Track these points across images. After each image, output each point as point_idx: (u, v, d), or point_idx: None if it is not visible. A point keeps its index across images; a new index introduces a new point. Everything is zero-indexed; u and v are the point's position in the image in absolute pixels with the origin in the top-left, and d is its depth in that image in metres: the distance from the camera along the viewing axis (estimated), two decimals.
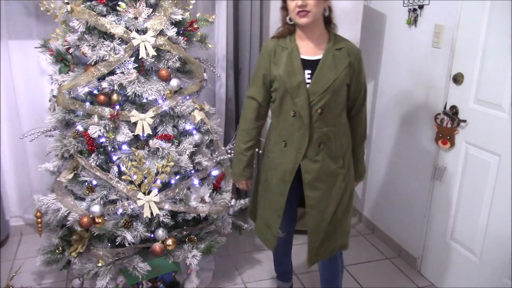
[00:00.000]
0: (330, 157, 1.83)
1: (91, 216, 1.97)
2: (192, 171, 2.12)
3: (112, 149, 2.02)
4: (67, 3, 2.01)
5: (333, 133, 1.81)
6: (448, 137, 2.29)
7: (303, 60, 1.77)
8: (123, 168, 1.96)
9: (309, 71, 1.76)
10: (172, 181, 2.08)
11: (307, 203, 1.86)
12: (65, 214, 2.02)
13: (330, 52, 1.76)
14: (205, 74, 2.24)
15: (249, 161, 1.94)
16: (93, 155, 2.01)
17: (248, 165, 1.94)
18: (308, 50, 1.78)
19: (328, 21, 1.81)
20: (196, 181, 2.14)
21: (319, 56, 1.77)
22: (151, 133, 2.01)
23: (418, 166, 2.57)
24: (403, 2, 2.56)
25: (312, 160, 1.81)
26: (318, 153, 1.81)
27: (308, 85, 1.75)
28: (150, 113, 2.00)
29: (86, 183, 2.04)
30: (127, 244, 1.99)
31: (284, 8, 1.80)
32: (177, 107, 2.06)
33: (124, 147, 2.01)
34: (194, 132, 2.15)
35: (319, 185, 1.84)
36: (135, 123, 1.99)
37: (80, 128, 2.00)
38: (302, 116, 1.75)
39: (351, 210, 1.98)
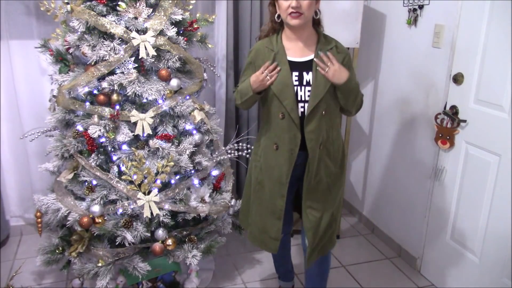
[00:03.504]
0: (329, 158, 1.83)
1: (91, 216, 1.97)
2: (192, 171, 2.12)
3: (112, 149, 2.02)
4: (67, 3, 2.02)
5: (331, 134, 1.82)
6: (448, 137, 2.29)
7: (290, 62, 1.76)
8: (123, 168, 1.96)
9: (297, 73, 1.75)
10: (172, 181, 2.08)
11: (307, 204, 1.85)
12: (65, 214, 2.02)
13: (323, 52, 1.74)
14: (205, 74, 2.24)
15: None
16: (93, 155, 2.01)
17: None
18: (296, 51, 1.77)
19: (317, 23, 1.81)
20: (196, 181, 2.14)
21: (308, 57, 1.76)
22: (151, 133, 2.01)
23: (418, 166, 2.57)
24: (403, 2, 2.56)
25: (314, 161, 1.79)
26: (318, 154, 1.79)
27: (301, 87, 1.74)
28: (150, 113, 2.00)
29: (86, 183, 2.05)
30: (127, 244, 1.99)
31: (273, 5, 1.77)
32: (177, 107, 2.06)
33: (124, 147, 2.01)
34: (194, 132, 2.15)
35: (319, 187, 1.84)
36: (135, 123, 1.99)
37: (80, 128, 2.01)
38: (292, 117, 1.75)
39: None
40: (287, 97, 1.74)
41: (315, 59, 1.74)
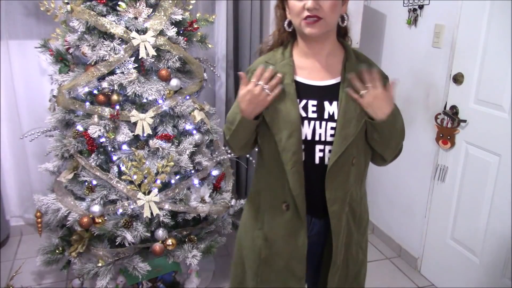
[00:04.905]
0: (354, 222, 1.35)
1: (91, 216, 1.97)
2: (192, 171, 2.12)
3: (112, 149, 2.02)
4: (67, 3, 2.02)
5: (359, 190, 1.37)
6: (448, 137, 2.29)
7: (302, 86, 1.25)
8: (123, 168, 1.96)
9: (314, 102, 1.24)
10: (172, 181, 2.08)
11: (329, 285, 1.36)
12: (65, 214, 2.02)
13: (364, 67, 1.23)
14: (205, 74, 2.24)
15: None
16: (93, 155, 2.01)
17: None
18: (313, 72, 1.26)
19: (343, 33, 1.32)
20: (196, 181, 2.14)
21: (331, 81, 1.26)
22: (151, 133, 2.01)
23: (418, 166, 2.57)
24: (403, 2, 2.56)
25: (340, 232, 1.30)
26: (345, 221, 1.31)
27: (320, 122, 1.24)
28: (150, 113, 2.00)
29: (86, 183, 2.04)
30: (127, 244, 1.99)
31: (281, 8, 1.27)
32: (177, 107, 2.06)
33: (124, 147, 2.01)
34: (194, 132, 2.15)
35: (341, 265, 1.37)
36: (135, 123, 1.99)
37: (80, 128, 2.00)
38: (297, 163, 1.24)
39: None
40: (288, 132, 1.22)
41: (348, 75, 1.23)
